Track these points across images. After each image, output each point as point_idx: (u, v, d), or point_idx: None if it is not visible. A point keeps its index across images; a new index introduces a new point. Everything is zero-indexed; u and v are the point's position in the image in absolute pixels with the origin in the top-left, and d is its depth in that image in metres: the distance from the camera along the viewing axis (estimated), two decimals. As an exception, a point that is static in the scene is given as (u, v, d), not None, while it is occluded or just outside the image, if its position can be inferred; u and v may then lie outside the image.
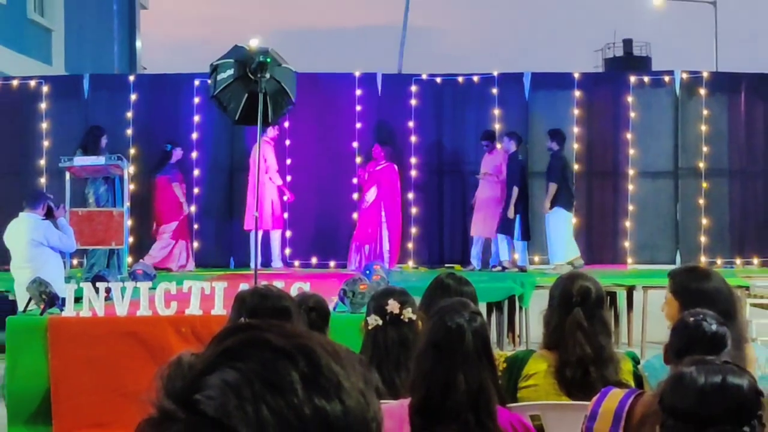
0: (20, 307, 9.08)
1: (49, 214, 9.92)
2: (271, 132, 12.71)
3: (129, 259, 11.83)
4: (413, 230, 13.61)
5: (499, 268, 12.83)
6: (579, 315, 4.05)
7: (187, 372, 0.97)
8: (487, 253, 13.22)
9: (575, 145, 13.54)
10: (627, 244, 13.74)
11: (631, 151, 13.79)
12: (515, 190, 12.66)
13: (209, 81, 9.68)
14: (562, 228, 12.76)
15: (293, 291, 7.39)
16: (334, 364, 0.99)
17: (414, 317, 4.14)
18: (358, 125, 13.71)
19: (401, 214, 13.30)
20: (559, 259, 12.70)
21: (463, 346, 3.36)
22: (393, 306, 4.11)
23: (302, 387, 0.95)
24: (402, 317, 4.13)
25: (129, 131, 13.64)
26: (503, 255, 12.90)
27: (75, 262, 12.32)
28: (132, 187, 13.04)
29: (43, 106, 13.84)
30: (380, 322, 4.14)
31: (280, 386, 0.95)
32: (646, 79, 14.24)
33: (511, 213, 12.69)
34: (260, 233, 12.06)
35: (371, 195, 12.99)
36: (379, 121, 13.83)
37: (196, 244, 13.57)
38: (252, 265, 10.80)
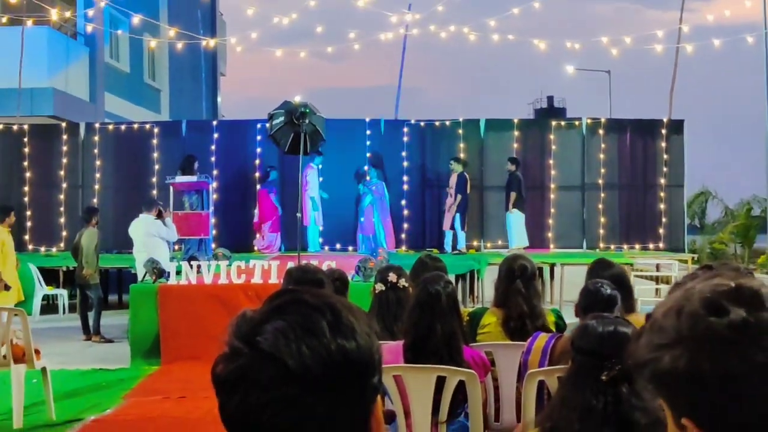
0: (139, 278, 9.10)
1: (160, 216, 9.92)
2: (317, 161, 12.69)
3: (213, 245, 11.82)
4: (405, 225, 13.56)
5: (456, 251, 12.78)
6: (519, 284, 4.03)
7: (249, 321, 0.97)
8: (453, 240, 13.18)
9: (511, 168, 13.44)
10: (550, 234, 13.70)
11: (553, 172, 13.74)
12: (458, 198, 12.62)
13: (267, 125, 9.70)
14: (518, 224, 12.77)
15: (324, 267, 7.39)
16: (350, 315, 0.98)
17: (407, 285, 4.12)
18: (368, 154, 13.66)
19: (391, 215, 13.23)
20: (515, 245, 12.70)
21: (440, 304, 3.36)
22: (393, 277, 4.11)
23: (329, 331, 0.95)
24: (398, 285, 4.12)
25: (213, 159, 13.59)
26: (460, 243, 12.83)
27: (176, 247, 12.31)
28: (215, 196, 13.01)
29: (154, 141, 13.81)
30: (384, 288, 4.13)
31: (313, 331, 0.94)
32: (562, 123, 14.19)
33: (452, 211, 12.64)
34: (313, 228, 12.00)
35: (366, 202, 12.98)
36: (382, 151, 13.79)
37: (257, 235, 13.50)
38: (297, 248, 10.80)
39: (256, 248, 12.92)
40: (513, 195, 12.66)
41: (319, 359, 0.93)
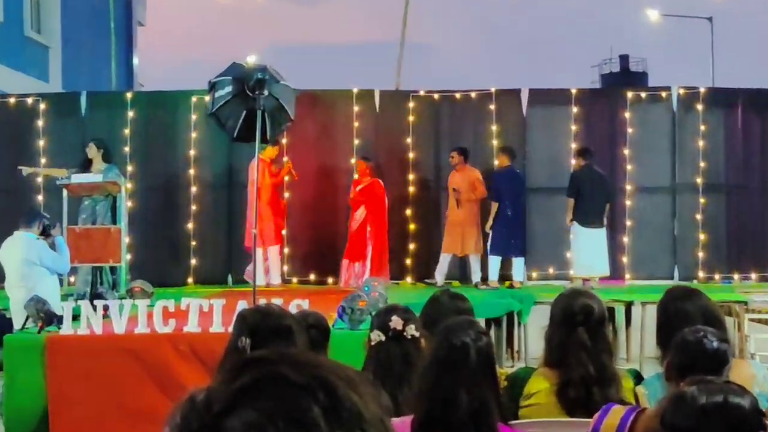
0: (16, 325, 9.06)
1: (45, 234, 9.90)
2: (270, 152, 12.65)
3: (127, 277, 11.80)
4: (411, 246, 13.59)
5: (484, 286, 12.76)
6: (582, 334, 4.04)
7: (203, 413, 0.96)
8: (468, 269, 13.19)
9: (573, 161, 13.53)
10: (625, 259, 13.73)
11: (629, 167, 13.79)
12: (494, 206, 12.67)
13: (207, 98, 9.70)
14: (594, 243, 12.77)
15: (292, 308, 7.38)
16: (353, 393, 0.98)
17: (417, 334, 4.12)
18: (356, 142, 13.71)
19: (388, 229, 13.18)
20: (588, 272, 12.70)
21: (467, 363, 3.35)
22: (396, 322, 4.10)
23: (325, 421, 0.94)
24: (405, 334, 4.12)
25: (126, 148, 13.63)
26: (492, 273, 12.83)
27: (71, 279, 12.29)
28: (130, 204, 13.03)
29: (40, 123, 13.84)
30: (383, 338, 4.13)
31: (303, 423, 0.94)
32: (643, 94, 14.25)
33: (488, 227, 12.72)
34: (259, 250, 12.04)
35: (360, 214, 12.93)
36: (377, 137, 13.83)
37: (193, 261, 13.55)
38: (257, 281, 10.78)
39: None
40: (569, 202, 12.70)
41: None
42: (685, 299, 4.21)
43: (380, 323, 4.18)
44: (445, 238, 13.00)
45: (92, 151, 11.79)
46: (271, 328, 3.61)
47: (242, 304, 7.21)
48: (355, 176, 13.28)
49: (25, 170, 12.53)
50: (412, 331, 4.13)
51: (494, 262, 12.84)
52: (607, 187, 12.97)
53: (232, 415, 0.94)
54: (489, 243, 12.79)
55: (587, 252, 12.74)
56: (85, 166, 11.83)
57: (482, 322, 10.79)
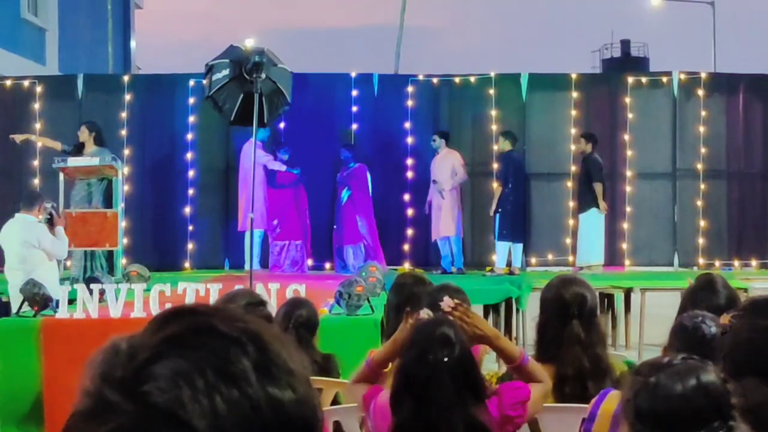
0: (14, 309, 9.06)
1: (50, 221, 9.87)
2: (262, 134, 12.60)
3: (123, 261, 11.81)
4: (409, 232, 13.59)
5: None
6: (577, 327, 4.01)
7: (127, 360, 0.93)
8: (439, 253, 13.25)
9: (572, 147, 13.53)
10: (625, 245, 13.74)
11: (629, 153, 13.78)
12: (498, 190, 12.70)
13: (204, 81, 9.69)
14: (597, 230, 12.85)
15: (289, 293, 7.41)
16: (283, 350, 0.97)
17: None
18: (354, 126, 13.69)
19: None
20: (587, 261, 12.74)
21: (442, 390, 3.24)
22: (447, 302, 3.85)
23: (255, 375, 0.93)
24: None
25: (123, 132, 13.61)
26: (500, 261, 12.87)
27: (68, 263, 12.30)
28: (127, 187, 13.03)
29: (36, 106, 13.81)
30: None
31: (233, 375, 0.92)
32: (643, 79, 14.23)
33: (491, 212, 12.74)
34: (256, 234, 12.05)
35: (344, 198, 12.98)
36: (375, 122, 13.82)
37: (190, 246, 13.56)
38: (247, 266, 10.79)
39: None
40: (598, 187, 12.66)
41: (243, 419, 0.91)
42: (714, 291, 4.18)
43: (431, 301, 4.07)
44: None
45: (84, 135, 11.77)
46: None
47: (238, 288, 7.23)
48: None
49: (18, 137, 12.50)
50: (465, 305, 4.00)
51: (503, 249, 12.87)
52: None
53: (158, 364, 0.92)
54: (496, 229, 12.81)
55: (601, 238, 12.86)
56: (78, 149, 11.81)
57: (480, 309, 10.83)
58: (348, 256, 12.95)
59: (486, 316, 11.30)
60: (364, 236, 12.96)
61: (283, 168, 12.90)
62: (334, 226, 13.20)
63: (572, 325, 4.00)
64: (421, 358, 3.28)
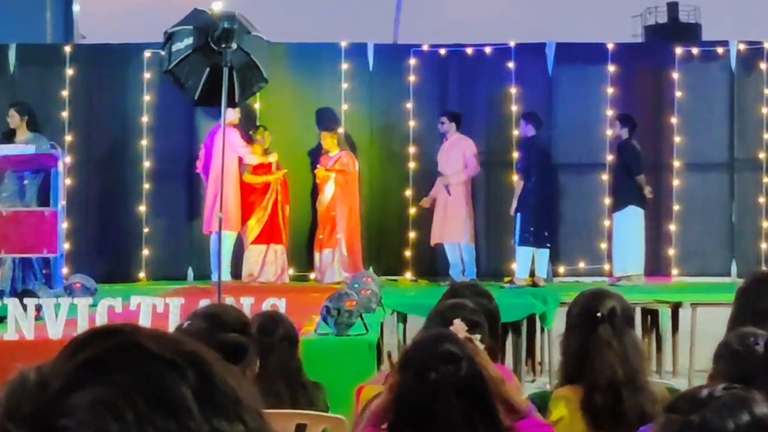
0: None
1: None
2: (233, 115, 12.50)
3: (64, 270, 11.79)
4: (411, 235, 13.56)
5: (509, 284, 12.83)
6: (607, 331, 4.03)
7: (37, 392, 0.93)
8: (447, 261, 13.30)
9: (608, 132, 13.51)
10: (672, 251, 13.72)
11: (677, 139, 13.78)
12: (519, 184, 12.70)
13: (163, 52, 9.68)
14: (637, 232, 12.88)
15: (266, 307, 7.40)
16: (229, 377, 0.96)
17: (482, 346, 3.85)
18: (345, 107, 13.67)
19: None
20: (627, 270, 12.75)
21: (448, 416, 3.21)
22: (459, 327, 3.88)
23: (197, 405, 0.92)
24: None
25: (64, 114, 13.58)
26: (521, 271, 12.84)
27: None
28: (69, 181, 13.00)
29: (-42, 82, 13.81)
30: None
31: (169, 404, 0.91)
32: (695, 50, 14.23)
33: (511, 210, 12.76)
34: (226, 237, 12.02)
35: (327, 195, 12.94)
36: (369, 102, 13.80)
37: (146, 252, 13.53)
38: (214, 276, 10.78)
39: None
40: (641, 179, 12.66)
41: None
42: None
43: (440, 322, 4.05)
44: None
45: (14, 120, 11.75)
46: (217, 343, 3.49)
47: (204, 304, 7.22)
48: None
49: None
50: (476, 341, 3.84)
51: (524, 255, 12.82)
52: None
53: (76, 393, 0.90)
54: (517, 231, 12.78)
55: (641, 242, 12.91)
56: (8, 136, 11.79)
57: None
58: (325, 261, 12.97)
59: (504, 336, 11.28)
60: (336, 240, 12.98)
61: (269, 161, 12.91)
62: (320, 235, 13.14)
63: (599, 330, 4.02)
64: (421, 378, 3.23)
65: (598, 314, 4.04)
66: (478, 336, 3.95)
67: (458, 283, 5.00)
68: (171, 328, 7.91)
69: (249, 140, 13.01)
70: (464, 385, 3.22)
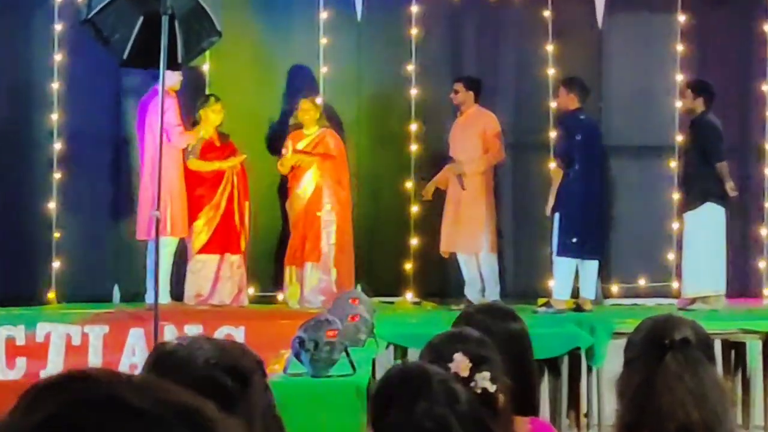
0: None
1: None
2: (173, 79, 12.46)
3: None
4: (413, 242, 13.60)
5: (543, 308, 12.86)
6: (678, 362, 4.04)
7: None
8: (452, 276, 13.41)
9: (678, 104, 13.54)
10: (762, 264, 13.78)
11: (772, 117, 13.85)
12: (558, 174, 12.72)
13: (80, -3, 9.69)
14: (716, 237, 12.85)
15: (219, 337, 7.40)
16: (230, 429, 0.98)
17: (492, 387, 3.95)
18: (324, 69, 13.72)
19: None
20: (696, 289, 12.76)
21: None
22: (460, 364, 3.99)
23: None
24: (472, 384, 4.01)
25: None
26: (561, 290, 12.85)
27: None
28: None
29: None
30: None
31: None
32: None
33: (548, 210, 12.81)
34: (165, 245, 12.03)
35: (305, 187, 12.91)
36: (357, 63, 13.84)
37: (57, 265, 13.51)
38: (149, 298, 10.80)
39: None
40: (722, 167, 12.63)
41: None
42: None
43: (437, 358, 4.09)
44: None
45: None
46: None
47: (136, 336, 7.21)
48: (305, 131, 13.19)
49: None
50: (484, 381, 3.96)
51: (565, 269, 12.83)
52: None
53: None
54: (556, 237, 12.79)
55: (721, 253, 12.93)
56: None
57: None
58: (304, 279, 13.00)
59: (538, 377, 11.30)
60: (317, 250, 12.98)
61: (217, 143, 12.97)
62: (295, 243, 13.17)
63: (666, 361, 4.04)
64: (407, 416, 3.31)
65: (667, 341, 4.05)
66: (487, 374, 3.95)
67: (472, 307, 4.98)
68: (92, 364, 7.94)
69: (190, 114, 12.99)
70: (467, 421, 3.34)
